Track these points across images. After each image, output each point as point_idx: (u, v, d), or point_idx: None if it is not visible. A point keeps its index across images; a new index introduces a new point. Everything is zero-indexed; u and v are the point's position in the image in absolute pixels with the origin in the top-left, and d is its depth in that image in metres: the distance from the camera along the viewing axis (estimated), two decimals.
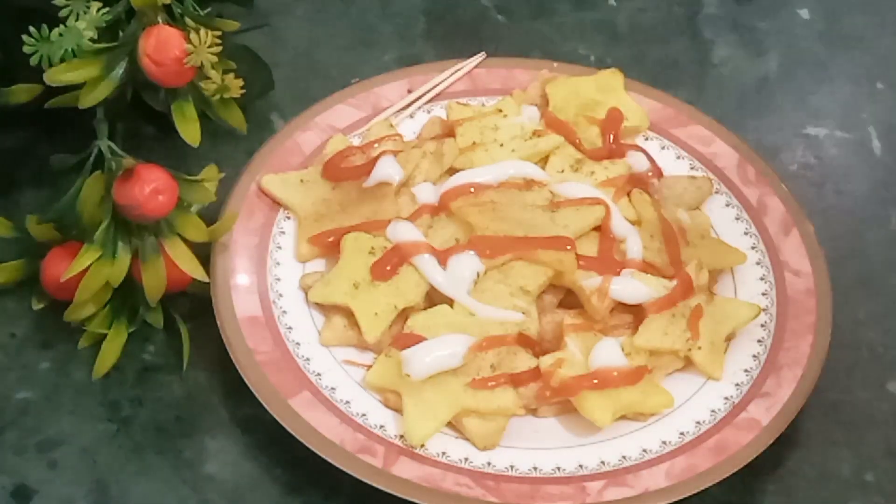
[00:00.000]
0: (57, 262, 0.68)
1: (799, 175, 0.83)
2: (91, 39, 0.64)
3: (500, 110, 0.79)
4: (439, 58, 0.86)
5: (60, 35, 0.63)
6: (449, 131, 0.78)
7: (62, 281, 0.65)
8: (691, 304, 0.70)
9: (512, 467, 0.65)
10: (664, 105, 0.82)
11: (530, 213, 0.73)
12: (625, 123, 0.79)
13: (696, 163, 0.79)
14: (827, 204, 0.82)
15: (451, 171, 0.76)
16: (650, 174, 0.77)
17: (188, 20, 0.67)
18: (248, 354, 0.67)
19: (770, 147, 0.84)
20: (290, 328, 0.69)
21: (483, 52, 0.84)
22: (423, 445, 0.65)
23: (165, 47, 0.66)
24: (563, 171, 0.76)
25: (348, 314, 0.69)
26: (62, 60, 0.64)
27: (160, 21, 0.67)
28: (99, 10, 0.64)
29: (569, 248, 0.70)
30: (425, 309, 0.70)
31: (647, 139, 0.81)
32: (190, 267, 0.67)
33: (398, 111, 0.81)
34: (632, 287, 0.70)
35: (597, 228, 0.73)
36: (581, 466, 0.65)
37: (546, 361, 0.67)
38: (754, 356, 0.70)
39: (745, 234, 0.76)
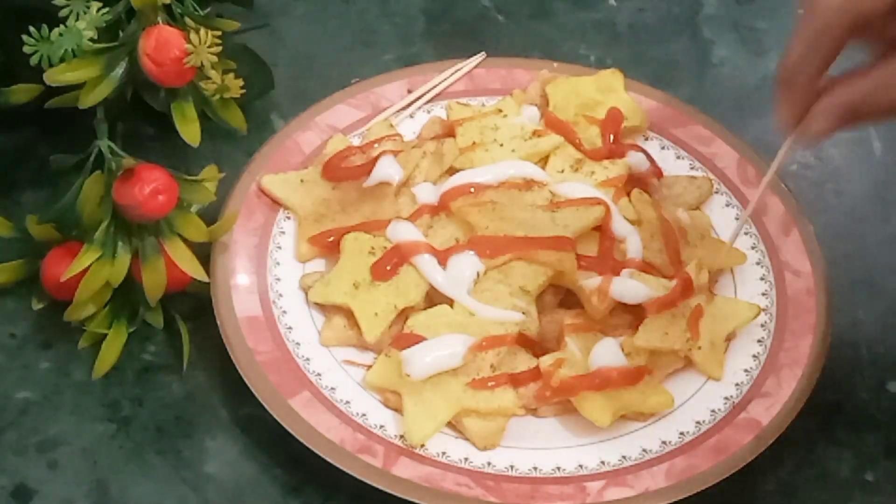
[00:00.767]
0: (57, 262, 0.68)
1: (799, 175, 0.83)
2: (91, 39, 0.64)
3: (500, 110, 0.79)
4: (439, 58, 0.86)
5: (60, 35, 0.63)
6: (449, 131, 0.78)
7: (62, 281, 0.65)
8: (691, 304, 0.70)
9: (512, 467, 0.65)
10: (664, 105, 0.82)
11: (530, 213, 0.73)
12: (625, 123, 0.79)
13: (696, 163, 0.79)
14: (827, 204, 0.82)
15: (451, 171, 0.76)
16: (650, 174, 0.77)
17: (188, 20, 0.67)
18: (248, 354, 0.67)
19: (770, 147, 0.84)
20: (290, 328, 0.70)
21: (483, 52, 0.84)
22: (423, 445, 0.65)
23: (165, 47, 0.66)
24: (563, 171, 0.76)
25: (348, 314, 0.69)
26: (62, 60, 0.64)
27: (160, 21, 0.67)
28: (99, 10, 0.64)
29: (569, 248, 0.70)
30: (425, 309, 0.70)
31: (647, 139, 0.81)
32: (190, 267, 0.67)
33: (398, 111, 0.81)
34: (632, 287, 0.70)
35: (597, 228, 0.73)
36: (581, 466, 0.65)
37: (546, 361, 0.67)
38: (754, 356, 0.70)
39: (745, 234, 0.76)
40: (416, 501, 0.62)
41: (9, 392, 0.68)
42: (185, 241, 0.68)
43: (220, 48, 0.66)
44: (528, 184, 0.74)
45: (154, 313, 0.69)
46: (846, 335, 0.73)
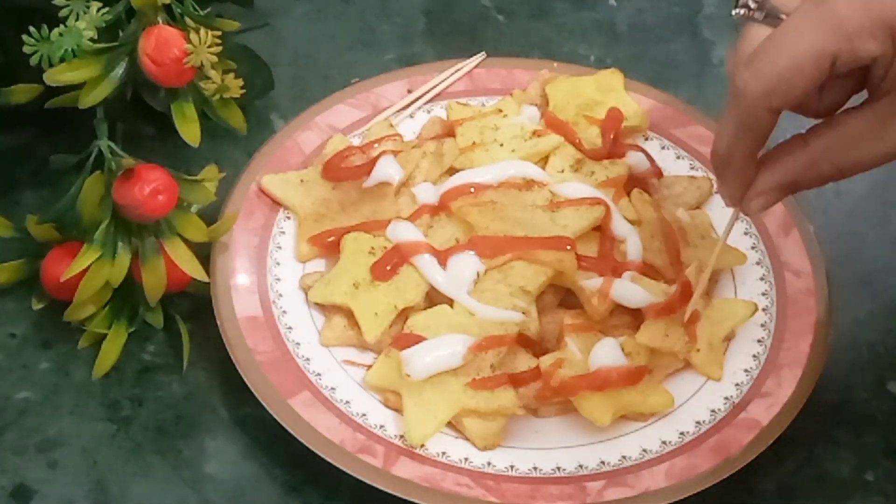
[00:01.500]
0: (57, 262, 0.68)
1: None
2: (91, 39, 0.64)
3: (500, 110, 0.79)
4: (439, 58, 0.86)
5: (60, 35, 0.63)
6: (449, 131, 0.78)
7: (62, 281, 0.65)
8: (688, 309, 0.69)
9: (512, 467, 0.65)
10: (664, 105, 0.82)
11: (530, 213, 0.73)
12: (625, 123, 0.79)
13: (696, 163, 0.79)
14: (827, 204, 0.82)
15: (451, 171, 0.76)
16: (650, 174, 0.77)
17: (188, 20, 0.68)
18: (248, 354, 0.67)
19: (770, 147, 0.84)
20: (290, 328, 0.70)
21: (483, 52, 0.84)
22: (423, 445, 0.65)
23: (165, 47, 0.66)
24: (563, 171, 0.76)
25: (348, 314, 0.69)
26: (62, 60, 0.64)
27: (160, 21, 0.67)
28: (99, 10, 0.64)
29: (569, 248, 0.70)
30: (425, 309, 0.70)
31: (647, 139, 0.81)
32: (190, 267, 0.67)
33: (398, 111, 0.81)
34: (632, 291, 0.69)
35: (597, 228, 0.73)
36: (581, 466, 0.65)
37: (546, 361, 0.67)
38: (754, 356, 0.70)
39: (745, 234, 0.76)
40: (416, 501, 0.62)
41: (9, 392, 0.68)
42: (185, 241, 0.68)
43: (219, 48, 0.66)
44: (528, 184, 0.74)
45: (154, 313, 0.69)
46: (846, 335, 0.73)
